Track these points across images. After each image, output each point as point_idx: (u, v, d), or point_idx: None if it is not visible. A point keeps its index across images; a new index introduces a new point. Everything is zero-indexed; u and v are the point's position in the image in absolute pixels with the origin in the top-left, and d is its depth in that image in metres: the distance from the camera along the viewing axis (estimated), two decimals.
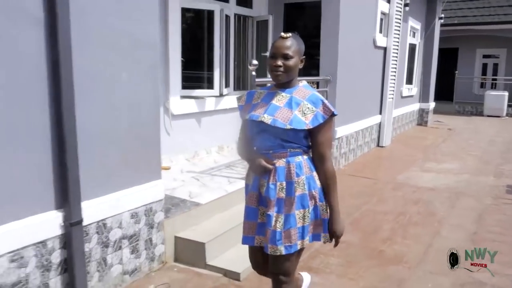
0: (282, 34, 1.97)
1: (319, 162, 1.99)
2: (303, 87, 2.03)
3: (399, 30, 8.02)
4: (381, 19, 7.45)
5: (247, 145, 2.12)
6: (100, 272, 2.64)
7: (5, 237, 2.11)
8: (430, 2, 10.62)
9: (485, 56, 16.14)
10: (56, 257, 2.36)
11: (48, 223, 2.29)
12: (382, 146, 8.02)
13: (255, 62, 4.03)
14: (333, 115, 1.94)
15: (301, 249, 2.03)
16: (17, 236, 2.16)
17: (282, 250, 1.95)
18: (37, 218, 2.24)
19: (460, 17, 14.13)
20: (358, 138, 6.96)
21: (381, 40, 7.43)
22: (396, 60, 8.11)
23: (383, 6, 7.32)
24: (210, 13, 5.14)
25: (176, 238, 3.17)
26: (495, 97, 13.94)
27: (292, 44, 1.93)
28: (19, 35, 2.11)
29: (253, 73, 4.04)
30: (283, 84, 2.01)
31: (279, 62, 1.92)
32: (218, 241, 3.17)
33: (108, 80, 2.58)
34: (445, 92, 15.01)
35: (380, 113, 7.96)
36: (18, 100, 2.13)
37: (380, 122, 7.97)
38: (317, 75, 5.95)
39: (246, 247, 2.19)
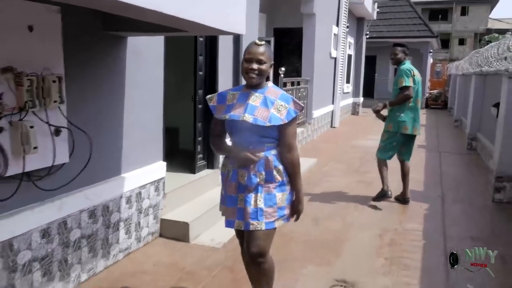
0: (256, 41, 2.15)
1: (287, 151, 2.19)
2: (272, 87, 2.25)
3: (343, 45, 11.39)
4: (333, 38, 10.73)
5: (223, 140, 2.32)
6: None
7: None
8: (359, 25, 14.32)
9: None
10: None
11: None
12: (334, 127, 11.34)
13: (283, 68, 6.94)
14: (302, 109, 2.22)
15: (274, 229, 2.24)
16: None
17: (263, 225, 2.16)
18: None
19: (377, 32, 18.10)
20: (322, 120, 10.16)
21: (333, 53, 10.72)
22: (342, 66, 11.48)
23: (334, 29, 10.61)
24: None
25: None
26: None
27: (265, 51, 2.13)
28: (229, 55, 4.85)
29: (282, 75, 6.95)
30: (255, 85, 2.19)
31: (255, 66, 2.10)
32: None
33: None
34: (367, 90, 18.94)
35: (333, 103, 11.25)
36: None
37: (333, 110, 11.26)
38: (298, 77, 8.98)
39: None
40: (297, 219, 2.36)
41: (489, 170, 5.83)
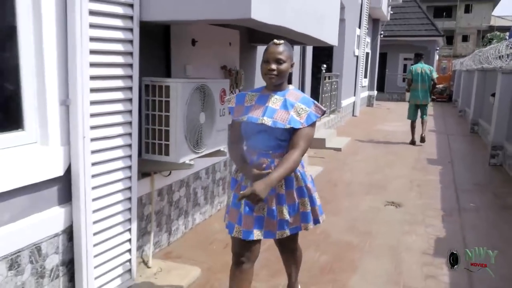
0: (275, 40, 2.07)
1: (291, 147, 2.08)
2: (293, 90, 2.20)
3: (364, 44, 13.18)
4: (356, 39, 12.51)
5: (240, 150, 2.24)
6: None
7: None
8: (375, 26, 16.09)
9: (405, 59, 22.18)
10: None
11: None
12: (356, 116, 13.15)
13: (324, 65, 8.73)
14: (324, 113, 2.16)
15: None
16: None
17: (288, 232, 2.22)
18: None
19: (389, 31, 19.84)
20: (347, 109, 11.97)
21: (356, 51, 12.50)
22: (362, 63, 13.27)
23: (357, 31, 12.39)
24: None
25: None
26: None
27: (284, 50, 2.06)
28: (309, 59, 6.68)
29: (324, 70, 8.74)
30: (275, 87, 2.13)
31: (273, 66, 2.04)
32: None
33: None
34: (379, 84, 20.72)
35: (354, 95, 13.05)
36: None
37: (354, 101, 13.07)
38: (327, 72, 10.75)
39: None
40: (241, 197, 1.99)
41: (488, 146, 7.62)
